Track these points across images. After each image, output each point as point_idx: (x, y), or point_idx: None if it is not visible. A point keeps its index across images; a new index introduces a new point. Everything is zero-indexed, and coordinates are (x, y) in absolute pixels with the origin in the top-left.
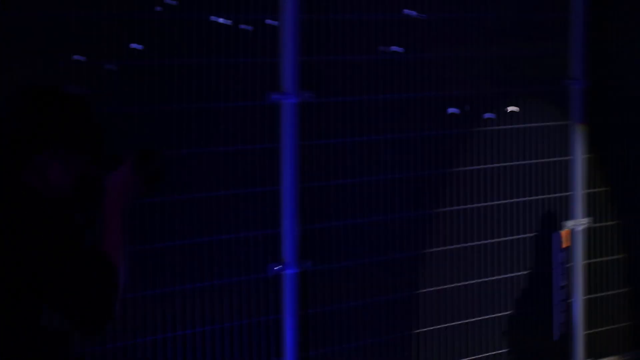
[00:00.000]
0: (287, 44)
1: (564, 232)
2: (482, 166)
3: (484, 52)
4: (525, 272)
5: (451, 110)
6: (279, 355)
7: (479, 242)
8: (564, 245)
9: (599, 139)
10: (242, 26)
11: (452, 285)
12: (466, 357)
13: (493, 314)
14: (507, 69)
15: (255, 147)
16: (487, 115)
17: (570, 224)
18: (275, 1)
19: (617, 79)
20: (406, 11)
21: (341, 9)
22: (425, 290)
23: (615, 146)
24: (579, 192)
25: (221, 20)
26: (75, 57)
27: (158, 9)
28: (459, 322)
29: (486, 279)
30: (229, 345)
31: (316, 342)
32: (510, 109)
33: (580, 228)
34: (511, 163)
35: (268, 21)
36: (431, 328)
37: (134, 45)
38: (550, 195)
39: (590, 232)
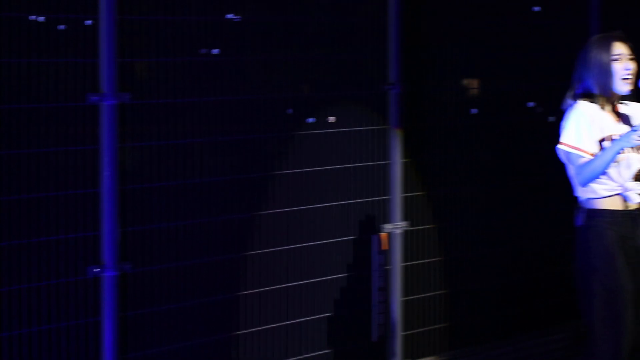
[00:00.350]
0: (105, 44)
1: (382, 235)
2: (302, 169)
3: (304, 55)
4: (344, 275)
5: (290, 111)
6: (98, 358)
7: (300, 245)
8: (383, 248)
9: (417, 144)
10: (60, 26)
11: (274, 287)
12: (287, 359)
13: (313, 315)
14: (327, 73)
15: (75, 148)
16: (309, 119)
17: (388, 227)
18: (94, 1)
19: (433, 83)
20: (228, 15)
21: (160, 10)
22: (246, 292)
23: (431, 150)
24: (397, 195)
25: (41, 19)
26: None
27: None
28: (280, 324)
29: (306, 281)
30: (47, 348)
31: (136, 344)
32: (330, 119)
33: (398, 231)
34: (331, 166)
35: (87, 22)
36: (252, 330)
37: None
38: (369, 199)
39: (408, 235)
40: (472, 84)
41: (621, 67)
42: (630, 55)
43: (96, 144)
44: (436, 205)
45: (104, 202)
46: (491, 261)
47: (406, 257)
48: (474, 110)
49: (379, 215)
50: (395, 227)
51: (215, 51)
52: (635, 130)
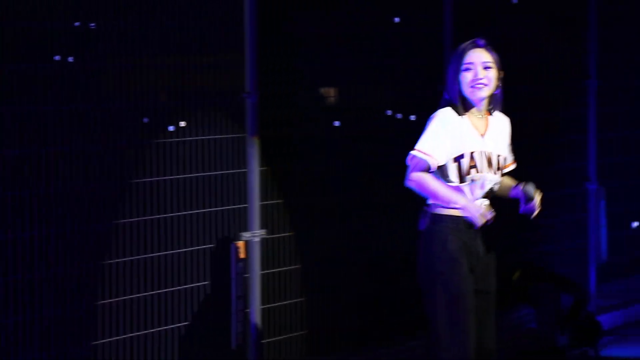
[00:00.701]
0: None
1: (240, 243)
2: (160, 178)
3: (161, 63)
4: (203, 283)
5: (146, 119)
6: None
7: (159, 254)
8: (241, 256)
9: (275, 152)
10: None
11: (132, 296)
12: None
13: (173, 324)
14: (185, 81)
15: None
16: (170, 128)
17: (246, 235)
18: None
19: (292, 91)
20: (77, 24)
21: (11, 16)
22: (104, 301)
23: (290, 159)
24: (255, 203)
25: None
26: None
27: None
28: (139, 333)
29: (166, 290)
30: None
31: None
32: (181, 124)
33: (256, 239)
34: (189, 175)
35: None
36: (111, 339)
37: None
38: (228, 207)
39: (266, 243)
40: (331, 92)
41: (471, 76)
42: (488, 62)
43: None
44: (294, 213)
45: None
46: (350, 269)
47: (265, 265)
48: (337, 123)
49: (237, 224)
50: (254, 235)
51: (70, 59)
52: (483, 217)
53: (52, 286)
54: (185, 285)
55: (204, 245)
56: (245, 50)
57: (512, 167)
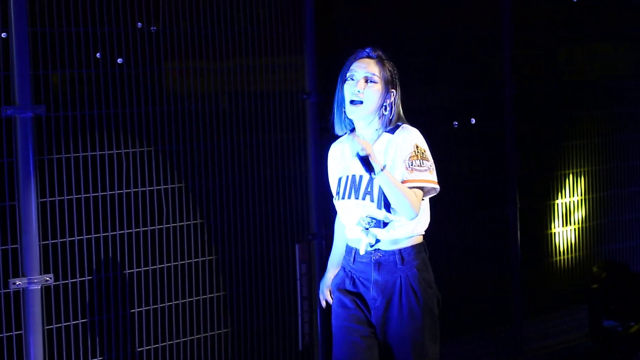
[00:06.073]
0: (19, 57)
1: (305, 244)
2: (223, 180)
3: (221, 65)
4: (270, 285)
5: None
6: None
7: (221, 255)
8: (305, 257)
9: None
10: None
11: (198, 297)
12: None
13: (234, 327)
14: (246, 83)
15: None
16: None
17: (310, 237)
18: (4, 13)
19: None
20: (140, 24)
21: (72, 22)
22: (136, 310)
23: None
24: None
25: None
26: None
27: None
28: (207, 334)
29: (231, 292)
30: None
31: None
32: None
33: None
34: (252, 176)
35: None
36: (177, 341)
37: None
38: (292, 209)
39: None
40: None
41: (349, 88)
42: (374, 75)
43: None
44: None
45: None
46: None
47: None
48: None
49: (301, 225)
50: (314, 237)
51: (120, 60)
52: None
53: (94, 290)
54: (251, 286)
55: (269, 247)
56: (305, 50)
57: (416, 184)
